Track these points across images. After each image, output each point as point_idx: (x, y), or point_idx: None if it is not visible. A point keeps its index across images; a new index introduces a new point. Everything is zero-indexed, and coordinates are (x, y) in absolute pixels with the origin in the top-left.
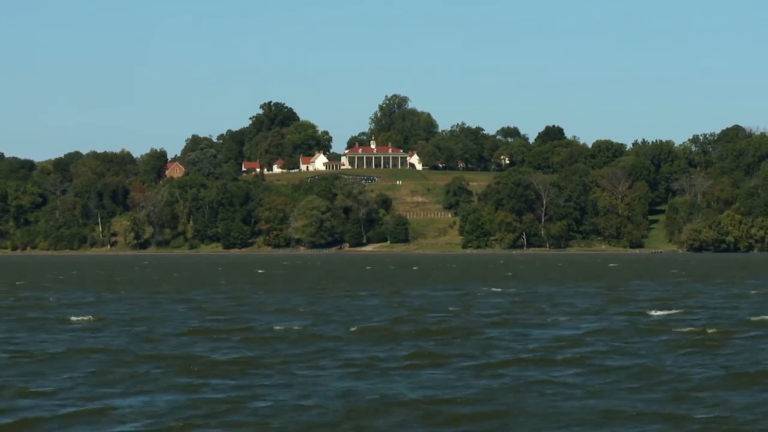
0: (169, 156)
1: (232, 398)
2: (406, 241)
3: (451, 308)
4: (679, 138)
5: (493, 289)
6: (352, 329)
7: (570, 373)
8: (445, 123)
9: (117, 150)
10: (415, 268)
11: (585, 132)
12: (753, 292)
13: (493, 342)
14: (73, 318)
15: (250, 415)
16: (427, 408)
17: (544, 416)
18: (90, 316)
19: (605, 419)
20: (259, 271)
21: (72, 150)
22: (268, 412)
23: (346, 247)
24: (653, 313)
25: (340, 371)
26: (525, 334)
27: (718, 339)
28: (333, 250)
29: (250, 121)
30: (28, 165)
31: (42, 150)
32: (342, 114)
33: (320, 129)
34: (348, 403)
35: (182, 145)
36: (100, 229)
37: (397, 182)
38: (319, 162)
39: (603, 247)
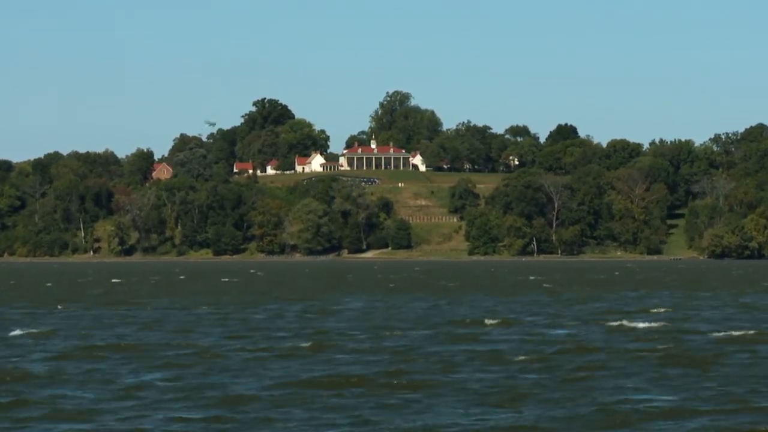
0: (156, 156)
1: None
2: (408, 247)
3: None
4: (700, 137)
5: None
6: None
7: None
8: (449, 121)
9: (100, 150)
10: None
11: (599, 131)
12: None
13: None
14: None
15: None
16: None
17: None
18: None
19: None
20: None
21: (52, 150)
22: None
23: (345, 253)
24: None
25: None
26: None
27: None
28: (331, 256)
29: (243, 120)
30: (6, 166)
31: (20, 150)
32: (340, 112)
33: (317, 128)
34: None
35: (170, 144)
36: (83, 234)
37: (399, 184)
38: (316, 163)
39: (618, 253)
